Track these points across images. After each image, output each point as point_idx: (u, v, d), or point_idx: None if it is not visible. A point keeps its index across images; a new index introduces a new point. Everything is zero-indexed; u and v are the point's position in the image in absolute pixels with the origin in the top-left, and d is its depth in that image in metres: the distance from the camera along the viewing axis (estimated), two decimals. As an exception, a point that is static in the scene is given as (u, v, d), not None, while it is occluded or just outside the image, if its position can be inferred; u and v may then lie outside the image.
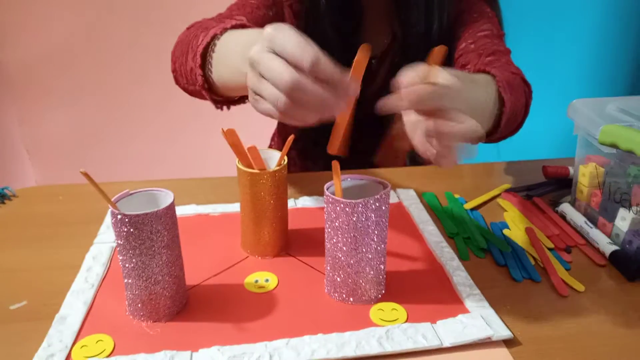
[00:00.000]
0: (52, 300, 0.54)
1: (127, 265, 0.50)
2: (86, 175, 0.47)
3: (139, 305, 0.51)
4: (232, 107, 0.71)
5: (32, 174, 1.90)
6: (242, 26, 0.62)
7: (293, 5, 0.85)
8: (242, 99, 0.69)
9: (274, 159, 0.62)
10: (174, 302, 0.52)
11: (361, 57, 0.49)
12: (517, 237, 0.66)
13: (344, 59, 0.77)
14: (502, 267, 0.61)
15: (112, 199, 0.49)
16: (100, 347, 0.47)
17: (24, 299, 0.55)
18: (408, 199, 0.74)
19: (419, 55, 0.82)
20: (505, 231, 0.67)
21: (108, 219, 0.69)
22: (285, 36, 0.43)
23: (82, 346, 0.47)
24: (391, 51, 0.90)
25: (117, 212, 0.47)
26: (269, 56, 0.43)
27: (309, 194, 0.77)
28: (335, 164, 0.52)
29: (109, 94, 1.82)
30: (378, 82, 0.92)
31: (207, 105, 0.68)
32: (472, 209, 0.72)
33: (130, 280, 0.50)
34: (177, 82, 0.72)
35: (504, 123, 0.66)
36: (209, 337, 0.49)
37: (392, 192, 0.50)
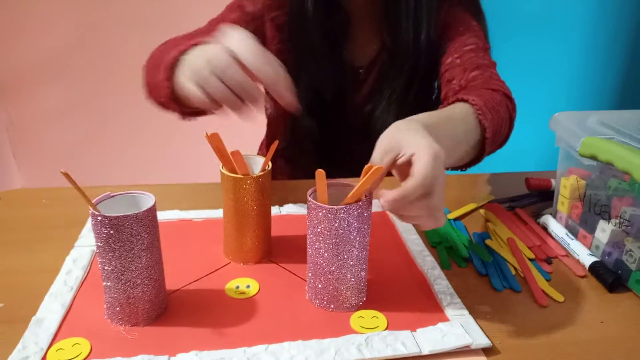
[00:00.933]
0: (30, 303, 0.53)
1: (106, 267, 0.49)
2: (67, 175, 0.46)
3: (117, 308, 0.50)
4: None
5: (19, 179, 1.88)
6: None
7: (275, 19, 0.86)
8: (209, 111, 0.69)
9: (259, 164, 0.62)
10: (153, 306, 0.51)
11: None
12: (498, 248, 0.66)
13: (332, 68, 0.80)
14: (483, 276, 0.61)
15: (93, 201, 0.49)
16: (76, 351, 0.47)
17: (1, 301, 0.54)
18: None
19: (407, 64, 0.84)
20: (488, 241, 0.68)
21: (90, 223, 0.69)
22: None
23: (58, 349, 0.47)
24: (379, 60, 0.91)
25: (97, 213, 0.47)
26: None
27: (295, 201, 0.77)
28: (320, 172, 0.52)
29: (98, 100, 1.82)
30: (365, 90, 0.93)
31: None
32: (455, 219, 0.73)
33: (109, 283, 0.50)
34: (149, 94, 0.73)
35: (487, 147, 0.67)
36: (188, 342, 0.48)
37: (376, 201, 0.50)
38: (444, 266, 0.62)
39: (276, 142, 0.60)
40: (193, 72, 0.57)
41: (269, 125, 1.01)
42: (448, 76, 0.82)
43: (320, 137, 0.89)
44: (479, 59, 0.82)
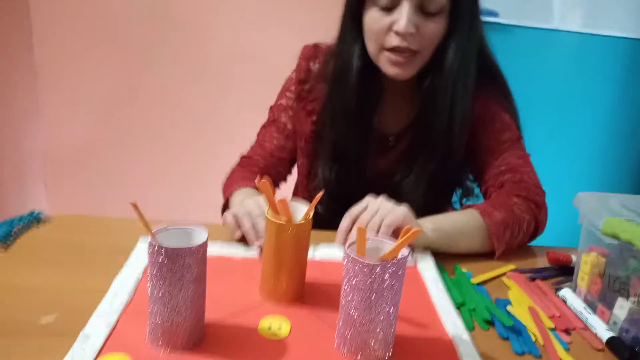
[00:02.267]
0: (78, 319, 0.57)
1: (155, 293, 0.53)
2: (135, 206, 0.52)
3: (159, 332, 0.54)
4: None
5: (47, 207, 1.96)
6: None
7: (307, 106, 0.98)
8: None
9: (301, 211, 0.67)
10: (192, 334, 0.55)
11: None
12: (519, 314, 0.69)
13: (360, 131, 0.91)
14: (504, 340, 0.64)
15: (154, 230, 0.54)
16: (119, 366, 0.50)
17: (54, 314, 0.58)
18: (425, 263, 0.78)
19: (438, 152, 0.91)
20: (509, 307, 0.70)
21: (137, 252, 0.74)
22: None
23: (102, 362, 0.50)
24: (410, 131, 0.97)
25: (155, 242, 0.52)
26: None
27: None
28: (362, 229, 0.56)
29: (131, 122, 1.92)
30: (392, 157, 0.98)
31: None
32: (479, 284, 0.76)
33: (155, 308, 0.53)
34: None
35: (498, 256, 0.84)
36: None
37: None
38: (467, 327, 0.65)
39: (321, 193, 0.65)
40: (240, 206, 0.80)
41: (302, 185, 1.09)
42: (484, 176, 0.94)
43: (337, 191, 0.95)
44: (512, 157, 0.92)
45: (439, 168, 0.94)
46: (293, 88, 1.01)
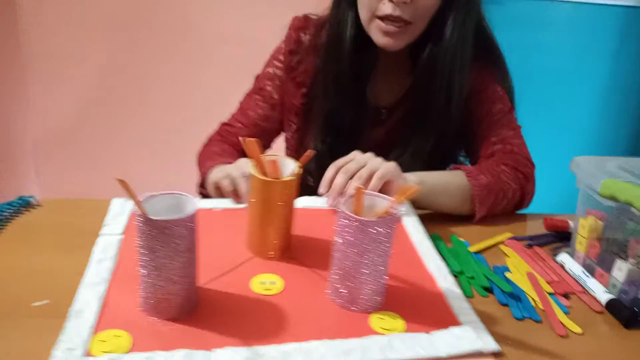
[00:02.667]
0: (71, 300, 0.55)
1: (147, 265, 0.52)
2: (121, 181, 0.50)
3: (153, 302, 0.53)
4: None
5: (37, 190, 1.94)
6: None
7: (297, 77, 0.96)
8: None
9: (287, 167, 0.66)
10: (186, 302, 0.54)
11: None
12: (518, 281, 0.68)
13: (354, 102, 0.89)
14: (504, 306, 0.63)
15: (140, 199, 0.52)
16: (118, 343, 0.49)
17: (46, 298, 0.57)
18: (407, 215, 0.80)
19: (436, 128, 0.89)
20: (507, 274, 0.70)
21: (113, 210, 0.73)
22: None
23: (101, 340, 0.49)
24: (403, 104, 0.96)
25: (144, 215, 0.50)
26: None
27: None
28: (359, 188, 0.56)
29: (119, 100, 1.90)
30: (385, 129, 0.97)
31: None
32: (476, 252, 0.75)
33: (149, 280, 0.52)
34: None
35: (479, 217, 0.84)
36: (220, 337, 0.51)
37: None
38: (466, 294, 0.64)
39: (312, 151, 0.64)
40: (218, 170, 0.80)
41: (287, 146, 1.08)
42: (474, 147, 0.94)
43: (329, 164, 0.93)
44: (503, 128, 0.92)
45: (436, 144, 0.92)
46: (282, 57, 0.98)
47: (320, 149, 0.93)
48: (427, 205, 0.82)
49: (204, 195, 0.92)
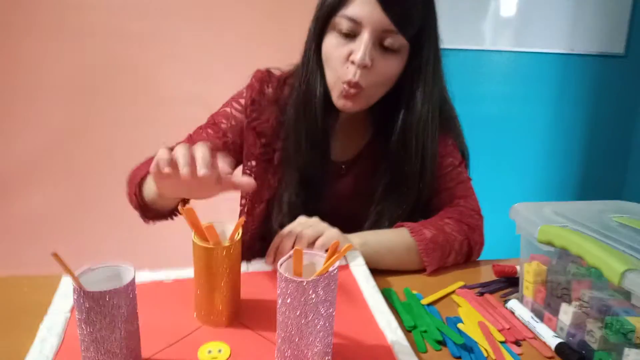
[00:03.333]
0: None
1: (86, 338, 0.51)
2: (56, 256, 0.49)
3: (96, 379, 0.51)
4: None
5: None
6: None
7: (257, 127, 0.96)
8: (166, 217, 0.93)
9: (230, 231, 0.65)
10: (131, 376, 0.52)
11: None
12: (470, 331, 0.69)
13: (316, 160, 0.89)
14: (457, 358, 0.63)
15: (76, 274, 0.51)
16: None
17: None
18: (355, 262, 0.81)
19: (411, 195, 0.92)
20: (460, 325, 0.70)
21: (61, 289, 0.70)
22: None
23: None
24: (360, 159, 0.99)
25: (79, 288, 0.49)
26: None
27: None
28: (299, 250, 0.56)
29: (75, 183, 1.87)
30: (344, 184, 0.99)
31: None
32: (429, 304, 0.76)
33: (87, 354, 0.51)
34: (130, 201, 0.92)
35: (429, 272, 0.85)
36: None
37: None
38: (419, 349, 0.65)
39: (242, 219, 0.65)
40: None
41: (247, 211, 1.05)
42: (424, 199, 0.96)
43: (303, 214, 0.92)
44: (451, 182, 0.97)
45: (411, 208, 0.95)
46: (242, 101, 0.98)
47: (295, 202, 0.94)
48: (375, 265, 0.83)
49: (147, 215, 0.90)
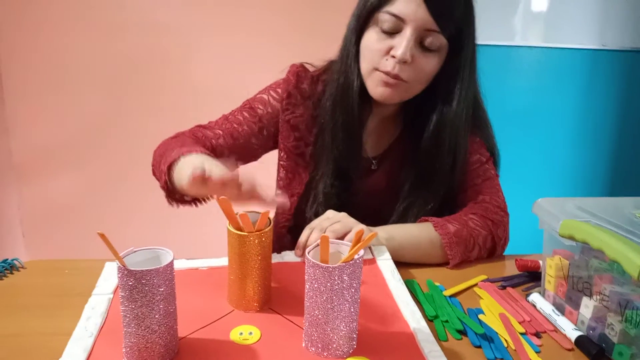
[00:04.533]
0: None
1: (127, 315, 0.55)
2: (102, 236, 0.54)
3: (136, 352, 0.55)
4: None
5: (23, 248, 1.96)
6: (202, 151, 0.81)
7: (291, 120, 0.98)
8: (191, 203, 0.88)
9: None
10: (167, 350, 0.57)
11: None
12: (491, 322, 0.70)
13: (349, 154, 0.97)
14: (477, 347, 0.65)
15: (120, 255, 0.55)
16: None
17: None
18: (382, 257, 0.83)
19: (441, 180, 0.95)
20: (481, 316, 0.72)
21: (105, 272, 0.75)
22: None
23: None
24: (389, 155, 1.00)
25: (123, 267, 0.53)
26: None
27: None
28: (325, 237, 0.59)
29: (106, 173, 1.94)
30: (374, 179, 1.01)
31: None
32: (451, 296, 0.77)
33: (129, 329, 0.55)
34: (153, 174, 0.91)
35: (452, 266, 0.87)
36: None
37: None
38: (440, 338, 0.67)
39: (268, 211, 0.67)
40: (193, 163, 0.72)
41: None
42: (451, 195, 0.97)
43: (336, 205, 0.93)
44: (477, 178, 0.97)
45: (440, 204, 0.96)
46: (280, 91, 0.99)
47: (330, 192, 0.96)
48: (399, 258, 0.85)
49: (172, 197, 0.86)
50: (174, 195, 0.85)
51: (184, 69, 1.90)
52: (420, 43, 0.84)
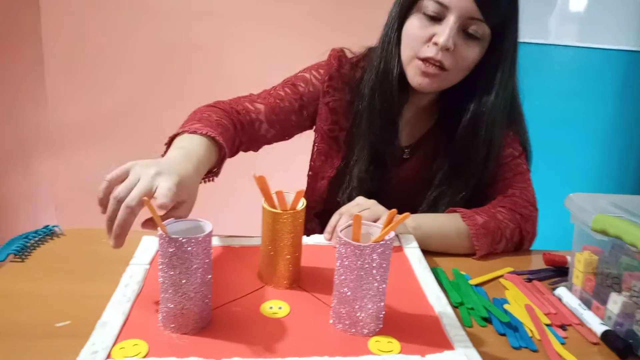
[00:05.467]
0: (92, 322, 0.59)
1: (166, 281, 0.57)
2: (147, 202, 0.56)
3: (172, 317, 0.57)
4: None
5: (55, 222, 2.01)
6: (205, 134, 0.80)
7: (330, 103, 0.99)
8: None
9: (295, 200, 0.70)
10: (201, 318, 0.59)
11: None
12: (516, 312, 0.71)
13: (386, 138, 0.98)
14: (501, 335, 0.66)
15: (163, 223, 0.58)
16: (136, 350, 0.53)
17: (69, 319, 0.62)
18: (410, 246, 0.84)
19: (473, 180, 0.95)
20: (506, 306, 0.73)
21: (142, 245, 0.77)
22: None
23: (121, 348, 0.54)
24: (423, 144, 1.01)
25: (165, 234, 0.56)
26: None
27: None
28: (358, 216, 0.60)
29: (138, 152, 1.96)
30: (406, 168, 1.02)
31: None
32: (476, 285, 0.78)
33: (166, 295, 0.57)
34: None
35: (478, 257, 0.87)
36: (229, 351, 0.55)
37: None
38: (465, 324, 0.67)
39: (302, 190, 0.69)
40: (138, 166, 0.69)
41: (309, 184, 1.08)
42: (480, 188, 0.97)
43: (370, 191, 0.95)
44: (509, 172, 0.97)
45: (469, 199, 0.96)
46: (322, 72, 0.99)
47: (364, 177, 0.97)
48: (426, 247, 0.85)
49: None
50: None
51: (217, 56, 1.94)
52: (464, 31, 0.84)
